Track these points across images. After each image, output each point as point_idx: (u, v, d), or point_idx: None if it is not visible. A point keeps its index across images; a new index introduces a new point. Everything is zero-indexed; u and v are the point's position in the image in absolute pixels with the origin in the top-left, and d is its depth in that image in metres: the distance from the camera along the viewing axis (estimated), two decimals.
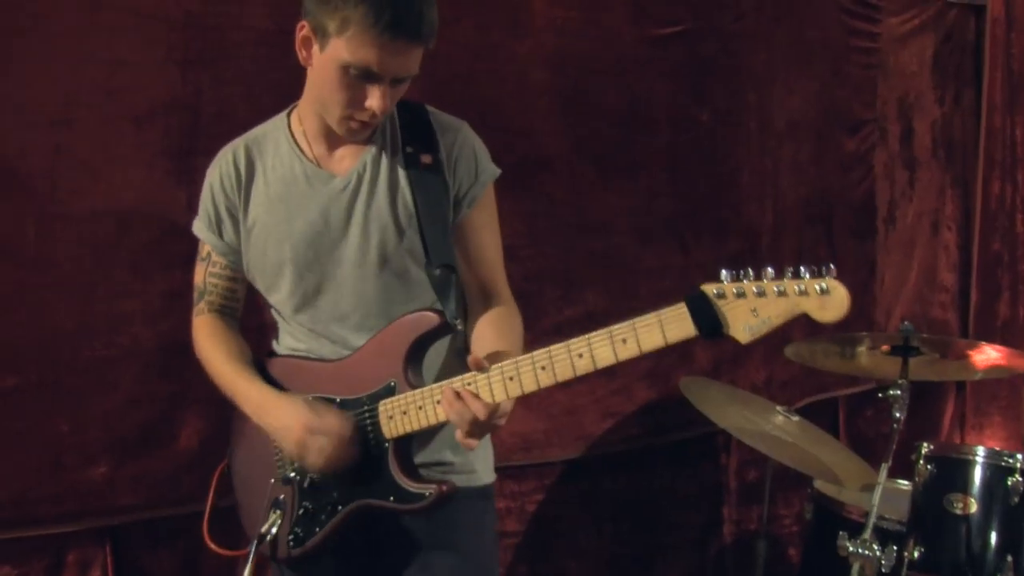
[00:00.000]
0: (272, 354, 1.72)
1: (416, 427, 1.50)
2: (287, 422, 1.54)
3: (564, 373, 1.38)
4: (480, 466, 1.70)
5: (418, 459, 1.59)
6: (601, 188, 2.72)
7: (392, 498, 1.53)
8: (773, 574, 2.80)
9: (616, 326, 1.34)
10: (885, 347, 2.19)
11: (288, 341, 1.70)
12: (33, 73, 2.02)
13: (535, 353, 1.41)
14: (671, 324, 1.30)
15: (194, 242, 2.17)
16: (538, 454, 2.67)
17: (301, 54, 1.52)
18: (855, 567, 1.87)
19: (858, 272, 3.27)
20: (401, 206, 1.59)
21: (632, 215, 2.76)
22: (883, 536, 2.09)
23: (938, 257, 3.48)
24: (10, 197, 2.02)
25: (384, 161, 1.60)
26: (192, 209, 2.18)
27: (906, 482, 2.50)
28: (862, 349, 2.21)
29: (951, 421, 3.61)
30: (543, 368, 1.39)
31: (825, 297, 1.20)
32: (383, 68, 1.45)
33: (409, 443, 1.56)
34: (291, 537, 1.60)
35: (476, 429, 1.43)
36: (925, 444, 2.16)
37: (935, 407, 3.57)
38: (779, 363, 3.08)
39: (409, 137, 1.60)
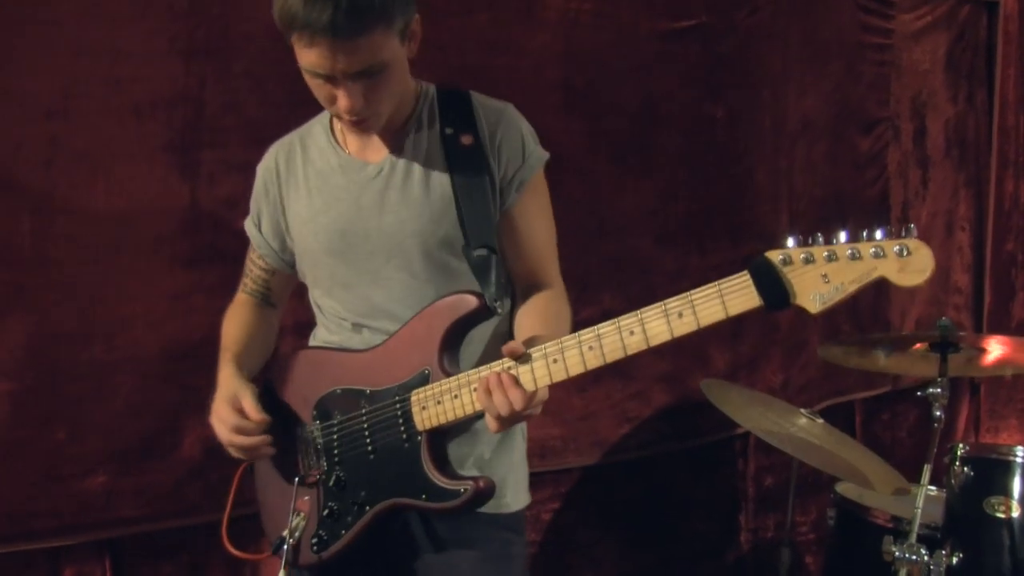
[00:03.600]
0: (304, 347, 1.67)
1: (451, 417, 1.41)
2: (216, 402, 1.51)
3: (614, 352, 1.26)
4: (510, 490, 1.56)
5: None
6: (617, 188, 2.64)
7: (425, 496, 1.44)
8: None
9: (670, 299, 1.22)
10: (919, 345, 2.12)
11: (322, 334, 1.65)
12: (29, 62, 1.92)
13: (581, 333, 1.30)
14: (733, 295, 1.18)
15: (198, 241, 2.10)
16: (554, 461, 2.58)
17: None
18: (902, 572, 1.79)
19: None
20: (437, 189, 1.50)
21: (649, 216, 2.69)
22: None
23: (952, 258, 3.42)
24: (5, 191, 1.93)
25: (421, 145, 1.52)
26: (196, 206, 2.11)
27: (933, 487, 2.43)
28: (897, 348, 2.13)
29: (966, 424, 3.55)
30: (590, 348, 1.28)
31: (906, 259, 1.09)
32: (325, 68, 1.34)
33: (443, 437, 1.48)
34: (315, 541, 1.51)
35: (509, 419, 1.33)
36: (961, 445, 2.09)
37: (949, 410, 3.50)
38: (796, 367, 3.02)
39: (449, 119, 1.52)
